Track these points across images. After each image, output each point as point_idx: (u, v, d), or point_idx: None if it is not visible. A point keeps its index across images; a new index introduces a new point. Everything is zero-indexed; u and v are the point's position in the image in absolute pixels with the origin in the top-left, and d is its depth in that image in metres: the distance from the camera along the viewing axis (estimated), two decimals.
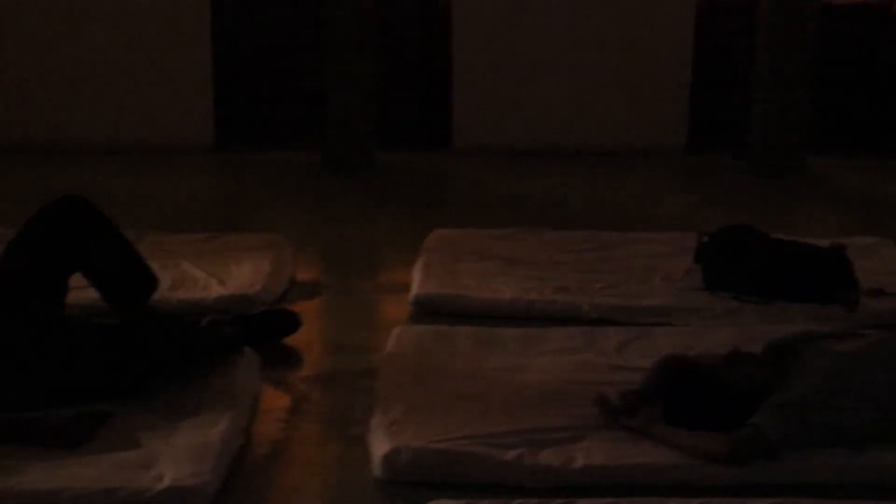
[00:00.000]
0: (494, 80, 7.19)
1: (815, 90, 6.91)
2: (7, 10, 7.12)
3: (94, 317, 3.77)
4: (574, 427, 3.18)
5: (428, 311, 4.25)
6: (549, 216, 5.77)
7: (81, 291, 3.76)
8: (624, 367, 3.63)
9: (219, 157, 7.19)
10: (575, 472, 2.96)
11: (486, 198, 6.33)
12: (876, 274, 4.53)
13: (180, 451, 2.99)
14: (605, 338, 3.90)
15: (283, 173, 6.85)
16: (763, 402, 3.08)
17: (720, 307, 4.27)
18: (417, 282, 4.43)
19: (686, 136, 7.32)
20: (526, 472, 2.96)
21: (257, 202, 6.33)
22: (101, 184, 6.56)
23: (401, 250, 5.27)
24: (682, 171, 7.13)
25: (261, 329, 3.85)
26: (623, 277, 4.57)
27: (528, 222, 5.47)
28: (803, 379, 3.13)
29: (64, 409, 3.16)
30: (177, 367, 3.45)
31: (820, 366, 3.17)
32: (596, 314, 4.19)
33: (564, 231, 5.23)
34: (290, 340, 3.94)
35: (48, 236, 3.52)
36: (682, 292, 4.40)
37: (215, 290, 4.32)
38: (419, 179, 6.85)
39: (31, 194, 6.28)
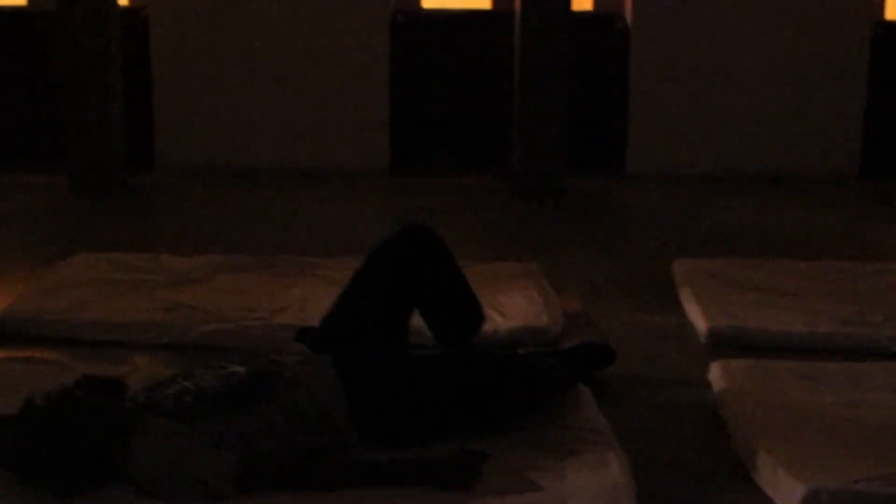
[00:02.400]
0: (669, 105, 7.16)
1: None
2: (191, 36, 7.13)
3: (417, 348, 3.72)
4: None
5: (721, 343, 4.19)
6: (757, 243, 5.74)
7: None
8: None
9: (394, 181, 7.17)
10: None
11: (678, 224, 6.27)
12: None
13: (590, 494, 2.91)
14: None
15: (465, 198, 6.79)
16: None
17: None
18: (699, 314, 4.36)
19: (859, 161, 7.29)
20: None
21: (445, 228, 6.24)
22: (281, 206, 6.57)
23: (616, 279, 5.19)
24: (864, 196, 7.06)
25: (578, 362, 3.79)
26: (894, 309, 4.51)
27: (740, 250, 5.44)
28: None
29: (441, 448, 3.10)
30: (528, 402, 3.40)
31: None
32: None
33: (806, 261, 5.17)
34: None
35: (400, 268, 3.45)
36: None
37: (503, 323, 4.25)
38: (603, 205, 6.79)
39: (218, 216, 6.36)
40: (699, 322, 4.33)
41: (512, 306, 4.42)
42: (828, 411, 3.48)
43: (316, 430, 3.09)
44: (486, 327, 4.14)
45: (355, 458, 3.06)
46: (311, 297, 4.52)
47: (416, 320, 3.58)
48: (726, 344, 4.17)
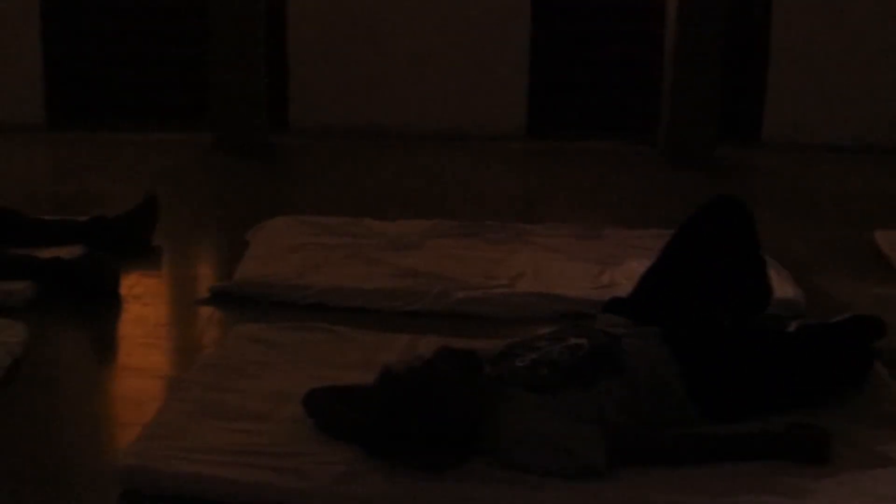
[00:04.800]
0: (809, 73, 7.09)
1: None
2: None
3: None
4: None
5: None
6: None
7: None
8: None
9: (532, 144, 7.10)
10: None
11: (842, 194, 6.19)
12: None
13: None
14: None
15: (609, 163, 6.73)
16: None
17: None
18: None
19: None
20: None
21: (597, 193, 6.18)
22: (420, 169, 6.50)
23: (814, 249, 5.12)
24: None
25: (854, 336, 3.75)
26: None
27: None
28: None
29: (775, 423, 3.07)
30: (842, 376, 3.37)
31: None
32: None
33: None
34: None
35: (711, 240, 3.41)
36: None
37: None
38: (754, 173, 6.72)
39: (363, 179, 6.28)
40: None
41: None
42: None
43: (659, 404, 3.06)
44: None
45: (700, 432, 3.04)
46: (539, 264, 4.49)
47: None
48: None
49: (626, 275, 4.37)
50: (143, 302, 4.20)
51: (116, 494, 2.78)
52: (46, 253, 4.37)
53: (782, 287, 4.27)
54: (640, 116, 6.97)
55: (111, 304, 4.12)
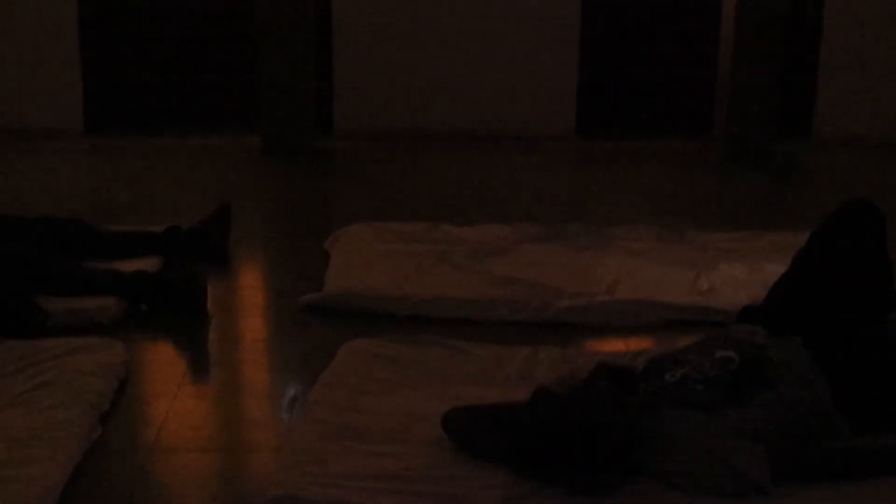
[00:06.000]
0: (860, 70, 7.01)
1: None
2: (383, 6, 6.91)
3: None
4: None
5: None
6: None
7: None
8: None
9: (582, 144, 6.99)
10: None
11: None
12: None
13: None
14: None
15: (665, 162, 6.64)
16: None
17: None
18: None
19: None
20: None
21: (642, 192, 6.07)
22: (472, 171, 6.39)
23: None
24: None
25: None
26: None
27: None
28: None
29: None
30: None
31: None
32: None
33: None
34: None
35: (844, 246, 3.30)
36: None
37: None
38: (810, 171, 6.64)
39: (414, 182, 6.16)
40: None
41: None
42: None
43: (807, 416, 2.96)
44: None
45: (853, 445, 2.94)
46: (632, 269, 4.37)
47: None
48: None
49: (723, 279, 4.29)
50: (233, 316, 4.07)
51: None
52: (123, 266, 4.24)
53: None
54: (690, 115, 6.88)
55: (200, 318, 3.98)
